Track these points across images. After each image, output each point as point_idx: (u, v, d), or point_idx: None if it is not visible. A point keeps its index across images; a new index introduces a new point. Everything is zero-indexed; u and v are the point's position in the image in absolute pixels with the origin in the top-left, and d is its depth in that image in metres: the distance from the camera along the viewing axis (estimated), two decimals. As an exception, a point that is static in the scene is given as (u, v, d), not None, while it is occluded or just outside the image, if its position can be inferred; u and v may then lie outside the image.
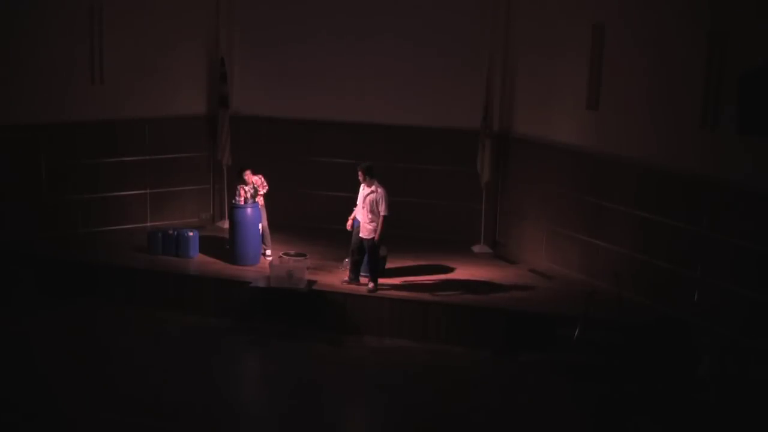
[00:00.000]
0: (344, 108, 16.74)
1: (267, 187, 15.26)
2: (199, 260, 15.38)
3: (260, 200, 15.19)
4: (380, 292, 13.94)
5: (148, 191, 16.84)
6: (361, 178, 13.93)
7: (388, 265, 14.72)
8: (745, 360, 11.45)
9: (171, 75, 16.81)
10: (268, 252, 15.29)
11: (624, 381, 12.00)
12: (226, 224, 16.46)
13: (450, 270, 15.11)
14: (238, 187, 15.14)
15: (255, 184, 15.13)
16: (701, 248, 12.84)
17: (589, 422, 11.47)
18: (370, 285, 13.98)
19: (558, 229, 15.29)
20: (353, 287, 14.12)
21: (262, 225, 15.19)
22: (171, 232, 15.57)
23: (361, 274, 14.21)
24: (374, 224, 13.79)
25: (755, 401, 11.04)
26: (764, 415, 10.96)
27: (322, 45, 16.82)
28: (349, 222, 14.15)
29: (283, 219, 16.33)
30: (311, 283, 14.14)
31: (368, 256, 13.99)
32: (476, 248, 16.22)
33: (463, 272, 15.04)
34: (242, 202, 15.03)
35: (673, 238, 13.32)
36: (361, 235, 13.95)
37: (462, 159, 16.21)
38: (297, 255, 14.35)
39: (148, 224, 16.72)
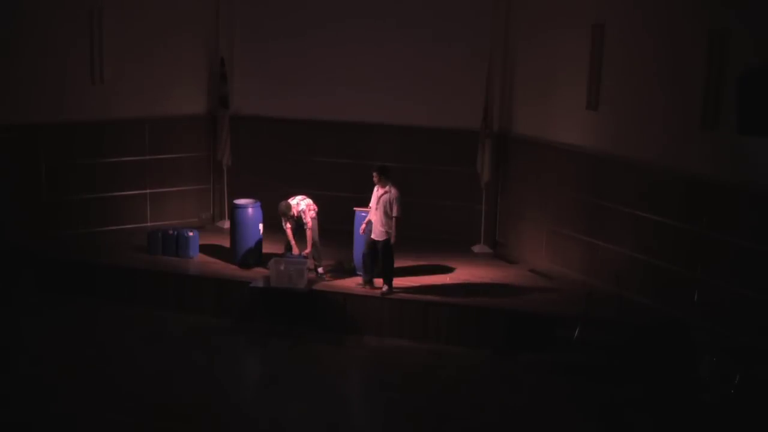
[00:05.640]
0: (344, 108, 16.73)
1: (316, 207, 14.60)
2: (199, 260, 15.39)
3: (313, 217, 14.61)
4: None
5: (148, 191, 16.84)
6: (375, 179, 13.78)
7: (388, 265, 14.72)
8: (745, 360, 11.43)
9: (171, 75, 16.81)
10: (320, 269, 14.65)
11: (624, 381, 12.00)
12: (226, 224, 16.48)
13: (450, 270, 15.11)
14: (284, 221, 14.48)
15: (302, 215, 14.39)
16: (701, 248, 12.84)
17: (592, 425, 11.45)
18: (384, 287, 13.85)
19: (558, 229, 15.29)
20: (353, 287, 14.10)
21: (312, 239, 14.55)
22: (171, 232, 15.56)
23: (359, 273, 14.19)
24: (387, 226, 13.67)
25: (756, 401, 11.03)
26: (765, 415, 10.96)
27: (322, 46, 16.82)
28: (363, 227, 13.99)
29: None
30: (311, 283, 14.13)
31: (382, 258, 13.82)
32: (476, 248, 16.22)
33: (463, 272, 15.04)
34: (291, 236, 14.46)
35: (673, 238, 13.32)
36: (373, 236, 13.84)
37: (462, 159, 16.21)
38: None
39: (148, 224, 16.72)
